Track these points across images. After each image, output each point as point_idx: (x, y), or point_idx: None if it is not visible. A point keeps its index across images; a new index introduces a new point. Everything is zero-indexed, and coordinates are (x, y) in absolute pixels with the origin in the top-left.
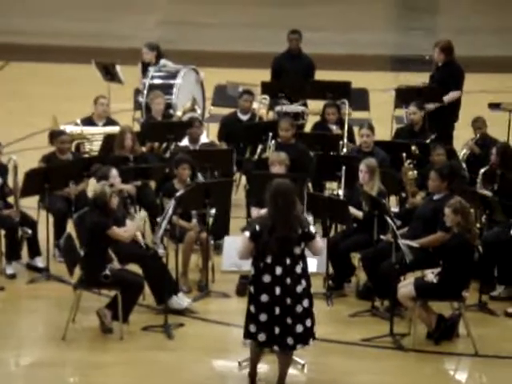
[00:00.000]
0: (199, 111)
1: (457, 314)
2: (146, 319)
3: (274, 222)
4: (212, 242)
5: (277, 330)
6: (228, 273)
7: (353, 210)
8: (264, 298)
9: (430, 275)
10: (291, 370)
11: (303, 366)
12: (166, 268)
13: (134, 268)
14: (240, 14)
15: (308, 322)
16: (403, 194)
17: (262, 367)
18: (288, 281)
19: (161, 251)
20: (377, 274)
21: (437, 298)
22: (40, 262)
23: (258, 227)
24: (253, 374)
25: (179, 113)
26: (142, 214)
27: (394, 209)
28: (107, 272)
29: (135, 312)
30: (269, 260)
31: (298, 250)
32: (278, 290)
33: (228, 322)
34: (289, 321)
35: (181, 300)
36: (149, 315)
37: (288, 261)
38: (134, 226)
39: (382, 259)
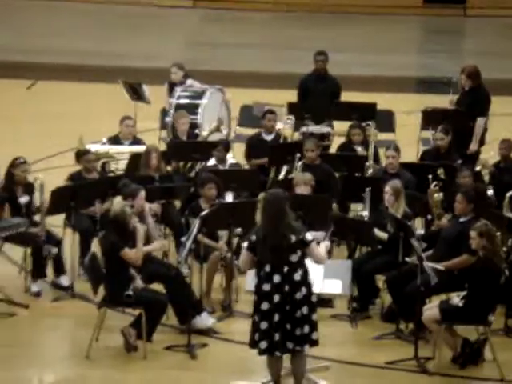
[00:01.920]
0: (225, 132)
1: (482, 339)
2: (170, 339)
3: (266, 231)
4: (236, 262)
5: (277, 337)
6: (252, 293)
7: (378, 232)
8: (264, 306)
9: (456, 298)
10: None
11: None
12: (190, 288)
13: (158, 287)
14: (266, 35)
15: (306, 328)
16: (429, 217)
17: None
18: (286, 288)
19: (185, 271)
20: (401, 296)
21: (462, 322)
22: (65, 281)
23: (253, 237)
24: None
25: (205, 133)
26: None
27: (420, 231)
28: (130, 292)
29: (159, 331)
30: (267, 269)
31: (294, 258)
32: (277, 298)
33: None
34: (288, 326)
35: (205, 320)
36: (172, 335)
37: (285, 268)
38: (149, 247)
39: (406, 282)
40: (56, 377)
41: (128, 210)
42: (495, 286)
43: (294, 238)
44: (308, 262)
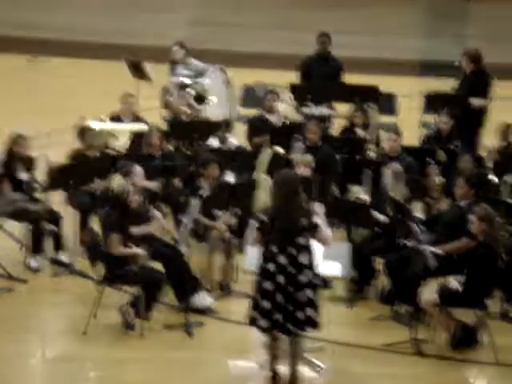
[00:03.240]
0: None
1: (478, 322)
2: (167, 317)
3: (277, 213)
4: (235, 241)
5: (278, 317)
6: (251, 272)
7: (377, 215)
8: (268, 285)
9: (454, 282)
10: (310, 373)
11: (322, 369)
12: (189, 266)
13: (157, 266)
14: (269, 16)
15: (309, 311)
16: (428, 200)
17: (283, 369)
18: (291, 270)
19: (184, 249)
20: (400, 279)
21: (460, 306)
22: (64, 257)
23: (263, 217)
24: (274, 374)
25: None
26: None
27: (419, 214)
28: (135, 268)
29: (156, 310)
30: (274, 249)
31: (301, 241)
32: (281, 279)
33: None
34: (290, 308)
35: (203, 299)
36: (170, 313)
37: (292, 250)
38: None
39: (405, 265)
40: (53, 352)
41: (127, 188)
42: (493, 271)
43: (304, 221)
44: (313, 243)
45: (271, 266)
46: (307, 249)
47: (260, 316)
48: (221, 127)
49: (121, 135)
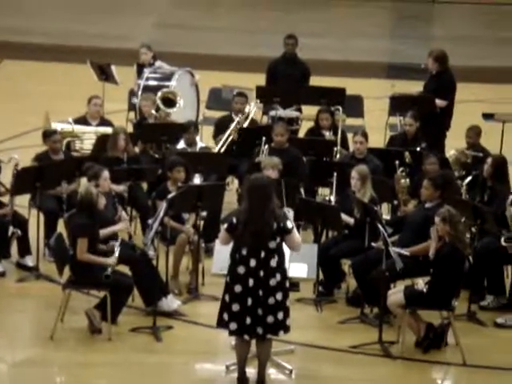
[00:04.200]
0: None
1: (446, 323)
2: (135, 321)
3: (249, 216)
4: (203, 244)
5: (248, 320)
6: (218, 276)
7: (344, 217)
8: (237, 288)
9: (421, 283)
10: (278, 376)
11: (291, 371)
12: (156, 270)
13: (124, 269)
14: (236, 18)
15: (280, 315)
16: (395, 202)
17: (251, 372)
18: (261, 273)
19: (151, 253)
20: (367, 281)
21: (426, 307)
22: (30, 261)
23: (234, 220)
24: (242, 376)
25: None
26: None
27: (386, 216)
28: (108, 272)
29: (124, 313)
30: (244, 252)
31: (272, 244)
32: (251, 282)
33: None
34: (260, 312)
35: (170, 302)
36: (137, 317)
37: (262, 254)
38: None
39: (372, 266)
40: (20, 357)
41: (94, 190)
42: (459, 272)
43: (275, 226)
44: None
45: (241, 269)
46: (277, 251)
47: (229, 318)
48: (189, 130)
49: (86, 137)
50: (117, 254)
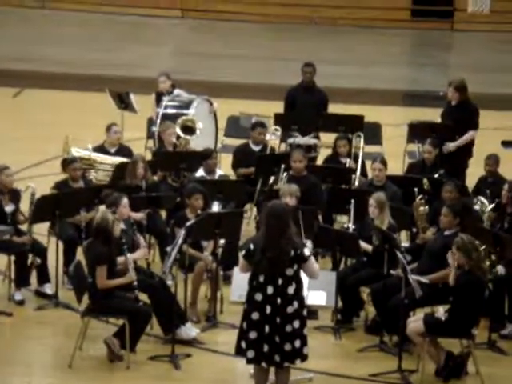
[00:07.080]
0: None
1: (466, 352)
2: (153, 349)
3: (266, 243)
4: (221, 272)
5: (265, 348)
6: (237, 303)
7: (363, 244)
8: (255, 315)
9: (440, 311)
10: None
11: None
12: (174, 298)
13: (143, 297)
14: (254, 46)
15: (297, 343)
16: (414, 229)
17: None
18: (279, 301)
19: (170, 281)
20: (386, 308)
21: (446, 335)
22: (49, 289)
23: (252, 246)
24: None
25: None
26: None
27: (405, 244)
28: (136, 294)
29: (142, 341)
30: (261, 279)
31: (290, 272)
32: (268, 309)
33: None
34: (277, 339)
35: (189, 330)
36: (156, 345)
37: (280, 281)
38: (133, 255)
39: (391, 294)
40: None
41: (110, 217)
42: (479, 300)
43: (293, 253)
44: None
45: (258, 296)
46: (295, 279)
47: (247, 346)
48: (211, 155)
49: (101, 168)
50: (131, 270)
